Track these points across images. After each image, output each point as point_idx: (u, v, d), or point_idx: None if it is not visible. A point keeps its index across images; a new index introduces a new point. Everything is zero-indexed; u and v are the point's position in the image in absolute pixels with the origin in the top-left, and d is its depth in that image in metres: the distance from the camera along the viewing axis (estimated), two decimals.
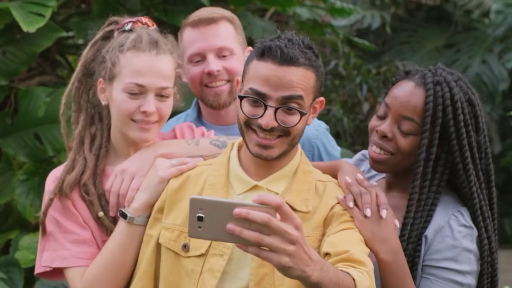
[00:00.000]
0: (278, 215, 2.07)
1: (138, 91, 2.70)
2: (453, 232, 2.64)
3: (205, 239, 2.23)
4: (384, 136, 2.68)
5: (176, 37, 3.34)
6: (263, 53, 2.46)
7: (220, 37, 3.22)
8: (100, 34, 2.85)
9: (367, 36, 8.84)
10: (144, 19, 2.83)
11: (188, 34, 3.25)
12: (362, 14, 8.33)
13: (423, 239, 2.66)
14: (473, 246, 2.65)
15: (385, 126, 2.68)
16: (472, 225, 2.67)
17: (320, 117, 6.78)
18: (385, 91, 2.80)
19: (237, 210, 2.05)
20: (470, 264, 2.64)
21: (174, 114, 3.15)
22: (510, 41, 8.49)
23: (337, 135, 7.12)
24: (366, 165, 2.95)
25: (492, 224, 2.75)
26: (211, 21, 3.22)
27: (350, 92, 7.15)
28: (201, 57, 3.23)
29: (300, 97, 2.46)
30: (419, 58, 8.75)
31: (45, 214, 2.74)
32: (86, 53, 2.85)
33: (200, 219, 2.08)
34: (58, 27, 4.93)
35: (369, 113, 7.33)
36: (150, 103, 2.70)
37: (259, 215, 2.03)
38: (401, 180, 2.78)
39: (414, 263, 2.66)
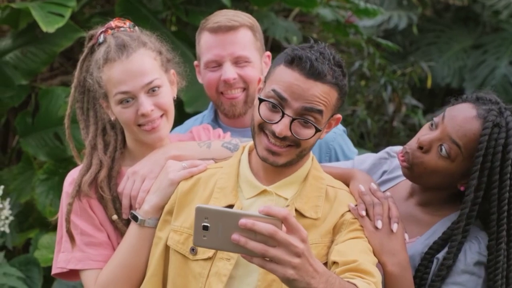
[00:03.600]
0: (284, 227, 2.06)
1: (128, 98, 2.70)
2: (466, 258, 2.61)
3: (210, 248, 2.23)
4: (420, 147, 2.63)
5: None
6: (293, 61, 2.43)
7: (238, 46, 3.20)
8: (85, 51, 2.84)
9: (394, 37, 8.78)
10: (114, 23, 2.82)
11: (206, 39, 3.23)
12: (387, 15, 8.27)
13: (435, 260, 2.63)
14: (483, 273, 2.61)
15: (427, 138, 2.63)
16: (487, 253, 2.62)
17: (345, 118, 6.79)
18: (453, 102, 2.72)
19: (242, 221, 2.04)
20: None
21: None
22: None
23: (361, 136, 7.08)
24: (389, 164, 2.91)
25: None
26: (229, 28, 3.19)
27: (374, 93, 7.10)
28: (217, 64, 3.21)
29: (320, 112, 2.43)
30: (446, 59, 8.66)
31: (67, 220, 2.75)
32: (77, 73, 2.86)
33: (205, 228, 2.09)
34: (78, 27, 4.96)
35: (394, 114, 7.27)
36: (144, 104, 2.69)
37: (265, 227, 2.03)
38: (424, 192, 2.74)
39: (422, 282, 2.62)
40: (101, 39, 2.77)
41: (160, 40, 2.83)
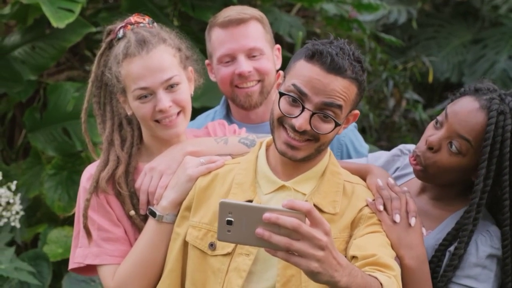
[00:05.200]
0: (307, 220, 2.08)
1: (147, 94, 2.71)
2: (478, 251, 2.63)
3: (234, 243, 2.24)
4: (430, 148, 2.65)
5: (203, 33, 3.36)
6: (313, 56, 2.45)
7: (250, 38, 3.23)
8: (103, 46, 2.85)
9: (393, 31, 8.78)
10: (133, 19, 2.82)
11: (217, 35, 3.25)
12: (388, 9, 8.29)
13: (447, 253, 2.65)
14: (495, 266, 2.64)
15: (435, 138, 2.65)
16: (499, 246, 2.65)
17: None
18: (452, 98, 2.74)
19: (266, 215, 2.06)
20: (489, 283, 2.62)
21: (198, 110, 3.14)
22: None
23: (362, 131, 7.10)
24: (402, 161, 2.94)
25: None
26: (240, 21, 3.22)
27: (376, 88, 7.12)
28: (231, 58, 3.23)
29: (340, 106, 2.45)
30: (445, 54, 8.68)
31: (85, 216, 2.75)
32: (95, 68, 2.86)
33: (229, 223, 2.10)
34: (87, 22, 4.96)
35: (395, 109, 7.29)
36: (162, 100, 2.70)
37: (289, 220, 2.04)
38: (437, 188, 2.76)
39: (434, 275, 2.64)
40: (120, 34, 2.78)
41: (179, 37, 2.84)
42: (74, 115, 4.91)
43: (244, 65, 3.21)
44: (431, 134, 2.67)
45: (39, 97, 5.30)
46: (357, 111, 2.59)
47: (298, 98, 2.44)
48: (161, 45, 2.73)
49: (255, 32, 3.25)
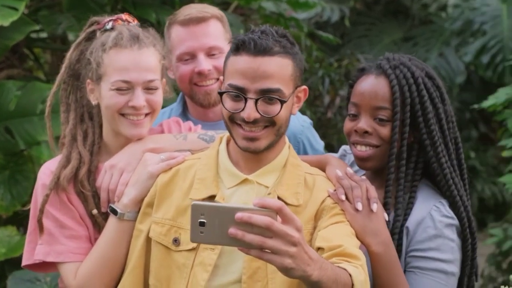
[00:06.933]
0: (279, 218, 2.10)
1: (126, 87, 2.73)
2: (434, 222, 2.69)
3: (208, 243, 2.25)
4: (365, 132, 2.72)
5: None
6: (238, 48, 2.49)
7: (210, 36, 3.24)
8: (83, 35, 2.86)
9: (325, 29, 8.88)
10: (124, 16, 2.85)
11: (177, 33, 3.26)
12: (322, 7, 8.37)
13: (405, 230, 2.71)
14: (454, 235, 2.71)
15: (363, 123, 2.72)
16: (453, 215, 2.72)
17: None
18: (347, 95, 2.84)
19: (239, 215, 2.07)
20: (452, 253, 2.69)
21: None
22: (467, 34, 8.60)
23: None
24: (347, 161, 2.98)
25: (465, 193, 2.81)
26: (201, 20, 3.23)
27: (312, 85, 7.18)
28: (190, 56, 3.24)
29: (278, 90, 2.49)
30: (377, 52, 8.79)
31: (41, 210, 2.73)
32: (70, 55, 2.86)
33: (202, 224, 2.11)
34: (30, 20, 4.90)
35: (329, 105, 7.36)
36: (138, 98, 2.72)
37: (261, 219, 2.06)
38: (381, 176, 2.82)
39: (398, 255, 2.68)
40: (109, 26, 2.80)
41: (166, 48, 2.91)
42: (16, 114, 4.81)
43: (204, 63, 3.22)
44: (355, 123, 2.76)
45: None
46: (304, 87, 2.62)
47: (238, 92, 2.48)
48: (152, 47, 2.78)
49: (215, 31, 3.26)
